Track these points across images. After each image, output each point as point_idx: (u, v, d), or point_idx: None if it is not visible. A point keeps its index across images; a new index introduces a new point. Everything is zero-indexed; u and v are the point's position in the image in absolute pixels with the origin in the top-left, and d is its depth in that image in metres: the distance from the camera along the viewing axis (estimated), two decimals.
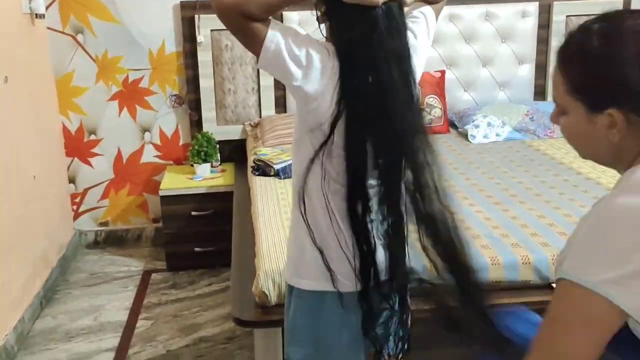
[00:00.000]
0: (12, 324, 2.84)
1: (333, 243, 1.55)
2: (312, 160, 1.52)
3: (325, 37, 1.50)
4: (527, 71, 3.99)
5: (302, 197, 1.54)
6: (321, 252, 1.57)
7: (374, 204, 1.52)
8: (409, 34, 1.52)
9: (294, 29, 1.46)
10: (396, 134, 1.48)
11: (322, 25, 1.51)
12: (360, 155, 1.47)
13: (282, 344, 2.04)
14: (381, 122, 1.46)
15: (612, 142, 1.06)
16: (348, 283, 1.56)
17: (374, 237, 1.53)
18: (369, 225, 1.52)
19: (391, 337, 1.66)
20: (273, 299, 2.06)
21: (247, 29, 1.40)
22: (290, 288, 1.69)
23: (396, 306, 1.62)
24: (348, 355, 1.64)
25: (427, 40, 1.64)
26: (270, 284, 2.06)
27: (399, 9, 1.46)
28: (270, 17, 1.42)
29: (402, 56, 1.46)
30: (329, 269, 1.56)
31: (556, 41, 3.92)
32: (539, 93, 4.05)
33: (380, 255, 1.55)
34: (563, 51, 1.09)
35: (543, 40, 3.97)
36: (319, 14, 1.49)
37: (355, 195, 1.49)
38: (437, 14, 1.70)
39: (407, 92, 1.49)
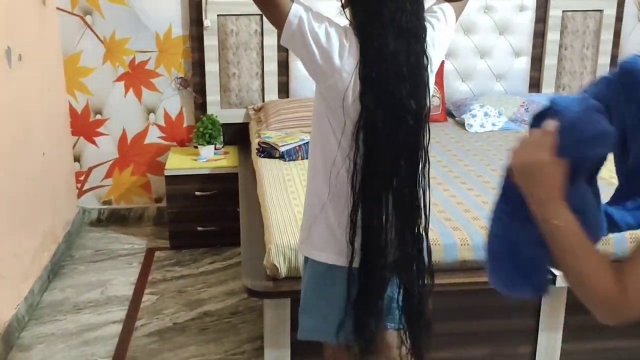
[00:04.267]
0: (24, 294, 2.93)
1: (345, 219, 1.65)
2: (330, 138, 1.62)
3: (349, 21, 1.60)
4: (523, 64, 4.11)
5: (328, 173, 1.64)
6: (332, 227, 1.68)
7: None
8: (427, 25, 1.61)
9: (312, 7, 1.55)
10: (406, 118, 1.58)
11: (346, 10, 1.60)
12: (377, 135, 1.57)
13: (291, 315, 2.16)
14: (394, 106, 1.56)
15: None
16: (358, 258, 1.66)
17: (386, 213, 1.63)
18: (382, 203, 1.62)
19: (396, 312, 1.76)
20: (283, 271, 2.17)
21: (274, 1, 1.50)
22: (305, 259, 1.80)
23: (399, 282, 1.72)
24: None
25: (444, 34, 1.70)
26: (281, 257, 2.17)
27: (418, 2, 1.55)
28: None
29: (419, 47, 1.56)
30: (344, 243, 1.66)
31: (552, 35, 4.05)
32: (534, 85, 4.17)
33: (391, 234, 1.65)
34: None
35: (539, 34, 4.08)
36: None
37: (372, 171, 1.60)
38: (458, 12, 1.74)
39: (420, 79, 1.59)
